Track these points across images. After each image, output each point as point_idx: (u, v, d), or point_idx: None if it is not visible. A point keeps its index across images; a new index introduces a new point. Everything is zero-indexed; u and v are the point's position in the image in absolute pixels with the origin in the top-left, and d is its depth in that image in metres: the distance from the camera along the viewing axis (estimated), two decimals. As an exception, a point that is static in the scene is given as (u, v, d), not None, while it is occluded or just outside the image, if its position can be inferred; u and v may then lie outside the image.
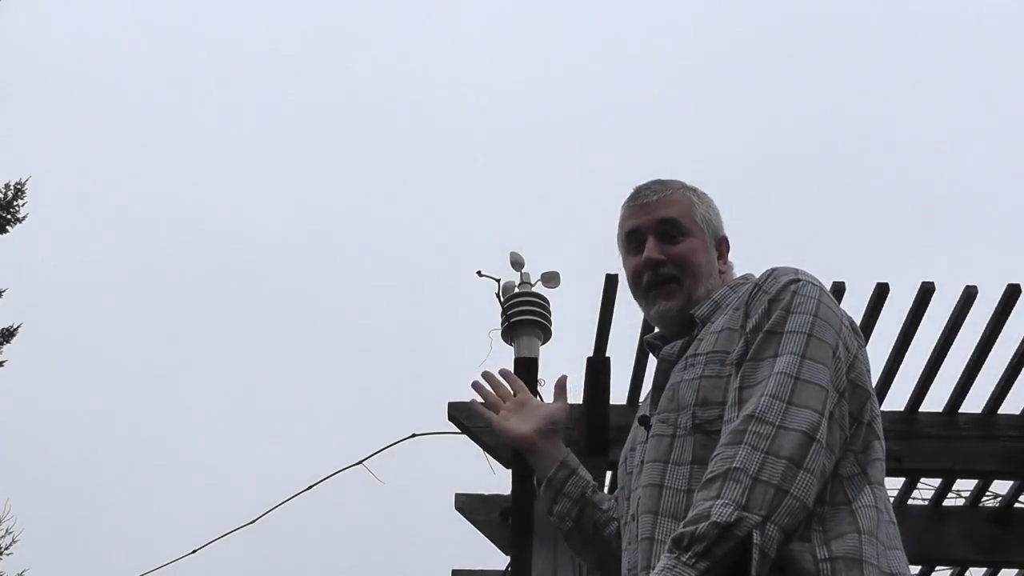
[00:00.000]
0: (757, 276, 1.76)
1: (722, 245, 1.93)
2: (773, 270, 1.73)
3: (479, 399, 2.11)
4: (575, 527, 1.97)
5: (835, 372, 1.60)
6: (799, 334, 1.61)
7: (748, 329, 1.66)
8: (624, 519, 1.79)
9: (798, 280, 1.68)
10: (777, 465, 1.49)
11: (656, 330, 1.98)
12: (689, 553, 1.45)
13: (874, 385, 1.75)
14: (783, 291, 1.67)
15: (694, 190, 1.95)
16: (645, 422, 1.81)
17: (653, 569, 1.53)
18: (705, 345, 1.74)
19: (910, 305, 3.53)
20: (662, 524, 1.63)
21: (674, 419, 1.70)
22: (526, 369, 3.55)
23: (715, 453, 1.55)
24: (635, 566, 1.68)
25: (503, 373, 2.14)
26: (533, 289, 3.90)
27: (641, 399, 3.67)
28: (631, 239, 1.91)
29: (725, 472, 1.50)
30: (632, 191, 1.96)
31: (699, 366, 1.71)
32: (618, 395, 3.59)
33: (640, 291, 1.90)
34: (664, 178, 1.97)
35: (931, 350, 3.67)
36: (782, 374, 1.57)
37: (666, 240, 1.87)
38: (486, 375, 2.13)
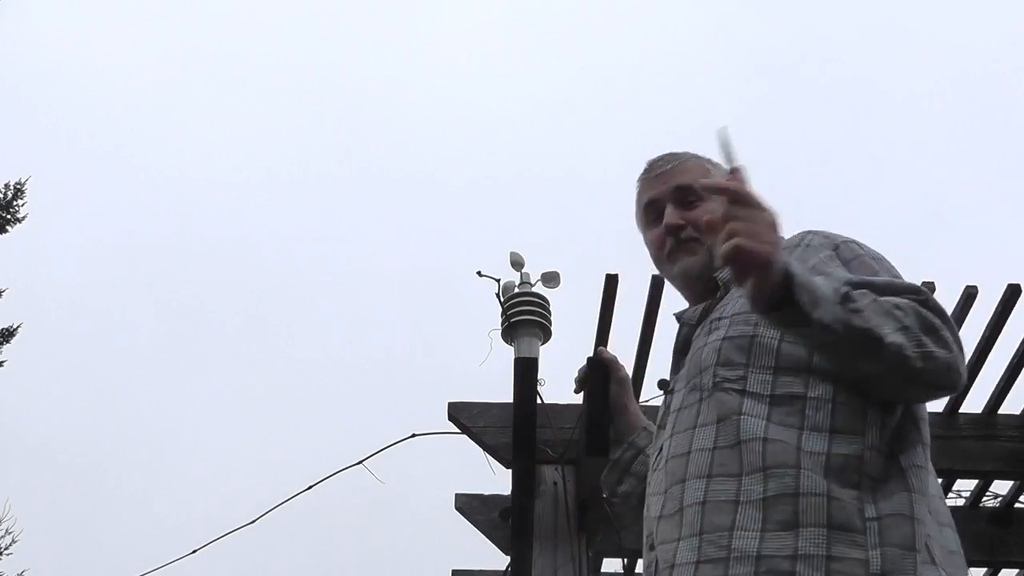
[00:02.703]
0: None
1: None
2: (806, 232, 1.76)
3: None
4: (639, 503, 1.94)
5: None
6: (889, 273, 1.67)
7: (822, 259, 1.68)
8: (649, 492, 1.76)
9: (847, 239, 1.73)
10: None
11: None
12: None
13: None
14: (841, 243, 1.71)
15: (707, 159, 1.95)
16: (664, 386, 1.81)
17: (683, 539, 1.55)
18: (731, 308, 1.71)
19: (910, 305, 3.53)
20: (690, 489, 1.59)
21: (698, 383, 1.68)
22: (526, 369, 3.55)
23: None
24: (667, 539, 1.63)
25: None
26: (533, 289, 3.89)
27: (642, 399, 3.68)
28: (649, 211, 1.93)
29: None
30: (645, 165, 1.97)
31: (723, 328, 1.69)
32: (618, 395, 3.58)
33: (663, 257, 1.91)
34: (674, 150, 1.98)
35: (931, 350, 3.66)
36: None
37: (684, 206, 1.88)
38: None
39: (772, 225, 1.45)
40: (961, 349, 1.56)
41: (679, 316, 1.90)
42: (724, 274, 1.80)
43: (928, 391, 1.58)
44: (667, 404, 1.80)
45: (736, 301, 1.72)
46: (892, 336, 1.47)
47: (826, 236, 1.74)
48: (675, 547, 1.58)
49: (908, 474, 1.55)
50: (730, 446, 1.57)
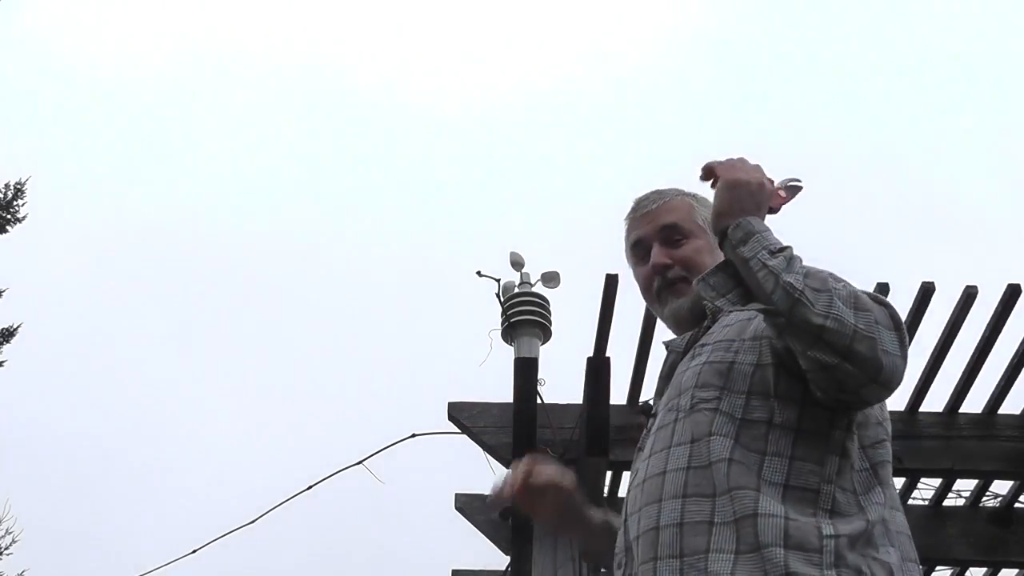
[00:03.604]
0: None
1: None
2: None
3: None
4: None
5: None
6: None
7: None
8: (626, 512, 1.75)
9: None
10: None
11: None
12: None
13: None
14: None
15: (692, 195, 1.98)
16: (647, 411, 1.84)
17: (661, 559, 1.56)
18: (715, 336, 1.76)
19: (910, 305, 3.53)
20: (666, 509, 1.62)
21: (676, 404, 1.71)
22: (526, 369, 3.56)
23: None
24: (644, 558, 1.63)
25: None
26: (533, 289, 3.90)
27: (641, 399, 3.69)
28: (637, 250, 1.96)
29: None
30: (632, 204, 2.00)
31: (705, 354, 1.73)
32: (618, 395, 3.60)
33: (652, 297, 1.94)
34: (661, 187, 2.01)
35: (931, 350, 3.67)
36: None
37: (670, 245, 1.91)
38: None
39: (746, 166, 1.72)
40: (898, 337, 1.60)
41: (668, 344, 1.94)
42: (719, 303, 1.82)
43: (840, 359, 1.55)
44: (648, 427, 1.83)
45: (721, 330, 1.76)
46: (789, 277, 1.56)
47: None
48: (652, 567, 1.60)
49: (868, 511, 1.60)
50: (703, 467, 1.61)
